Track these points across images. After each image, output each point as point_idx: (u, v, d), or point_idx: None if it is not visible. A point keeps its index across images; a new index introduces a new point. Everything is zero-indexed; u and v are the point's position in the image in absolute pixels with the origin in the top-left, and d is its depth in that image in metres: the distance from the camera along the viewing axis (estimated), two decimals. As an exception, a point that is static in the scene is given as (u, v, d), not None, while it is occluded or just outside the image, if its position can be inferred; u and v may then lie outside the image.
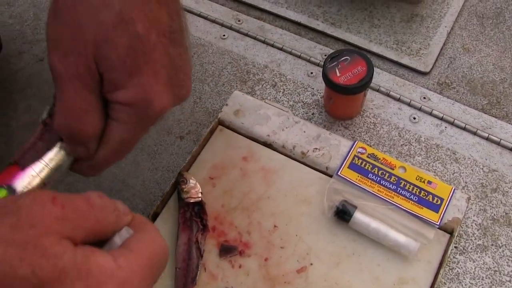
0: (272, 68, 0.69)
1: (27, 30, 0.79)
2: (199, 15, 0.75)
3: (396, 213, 0.54)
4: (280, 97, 0.66)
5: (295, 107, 0.65)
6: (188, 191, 0.56)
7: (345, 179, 0.56)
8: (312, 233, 0.54)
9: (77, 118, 0.36)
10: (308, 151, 0.59)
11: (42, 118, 0.39)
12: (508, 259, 0.55)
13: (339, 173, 0.56)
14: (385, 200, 0.54)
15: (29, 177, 0.37)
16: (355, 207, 0.53)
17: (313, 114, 0.64)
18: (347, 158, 0.57)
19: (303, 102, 0.65)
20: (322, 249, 0.53)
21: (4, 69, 0.74)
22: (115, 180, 0.63)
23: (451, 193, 0.54)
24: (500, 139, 0.60)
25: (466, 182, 0.59)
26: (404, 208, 0.54)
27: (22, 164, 0.37)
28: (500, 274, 0.54)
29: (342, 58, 0.59)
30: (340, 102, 0.61)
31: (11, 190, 0.36)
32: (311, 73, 0.68)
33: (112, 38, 0.34)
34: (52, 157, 0.39)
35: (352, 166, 0.56)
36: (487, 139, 0.61)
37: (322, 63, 0.67)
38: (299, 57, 0.69)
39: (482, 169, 0.60)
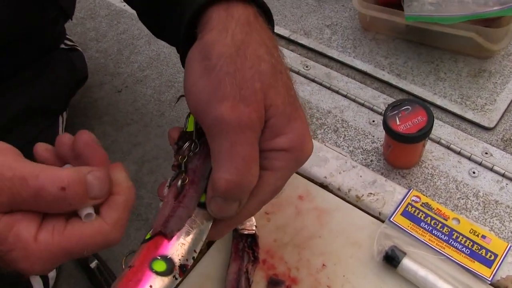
0: (335, 113, 0.75)
1: (110, 64, 0.91)
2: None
3: (447, 264, 0.57)
4: (341, 142, 0.72)
5: (354, 153, 0.70)
6: (243, 223, 0.62)
7: (397, 225, 0.60)
8: (360, 275, 0.58)
9: (249, 171, 0.37)
10: (363, 195, 0.63)
11: (174, 184, 0.41)
12: None
13: (391, 219, 0.60)
14: (436, 250, 0.57)
15: (180, 246, 0.37)
16: (404, 254, 0.57)
17: (371, 161, 0.69)
18: (401, 205, 0.61)
19: (362, 148, 0.71)
20: (368, 292, 0.57)
21: (86, 97, 0.86)
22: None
23: (506, 250, 0.57)
24: None
25: (524, 241, 0.61)
26: (455, 260, 0.57)
27: (169, 233, 0.38)
28: None
29: (403, 108, 0.64)
30: (399, 150, 0.65)
31: (169, 261, 0.36)
32: (373, 121, 0.73)
33: (275, 85, 0.38)
34: (196, 222, 0.39)
35: (405, 214, 0.60)
36: (553, 200, 0.63)
37: (385, 112, 0.73)
38: (363, 105, 0.75)
39: (543, 229, 0.61)
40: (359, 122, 0.73)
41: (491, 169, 0.66)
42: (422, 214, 0.60)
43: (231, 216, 0.40)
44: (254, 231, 0.62)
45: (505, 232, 0.62)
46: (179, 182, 0.40)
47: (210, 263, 0.62)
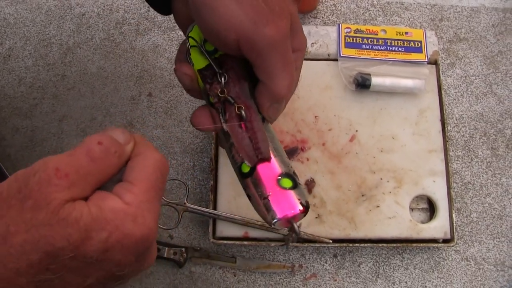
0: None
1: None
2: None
3: (396, 66, 0.76)
4: (249, 15, 0.82)
5: (266, 19, 0.82)
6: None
7: (348, 57, 0.76)
8: (345, 108, 0.75)
9: (294, 71, 0.47)
10: (308, 48, 0.77)
11: (231, 115, 0.46)
12: (471, 65, 0.82)
13: (341, 55, 0.76)
14: (383, 60, 0.76)
15: (280, 159, 0.44)
16: (369, 75, 0.75)
17: (284, 18, 0.82)
18: (340, 40, 0.77)
19: (270, 11, 0.82)
20: (358, 116, 0.75)
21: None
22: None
23: (424, 35, 0.78)
24: (429, -21, 0.85)
25: (420, 22, 0.84)
26: (399, 60, 0.76)
27: (267, 157, 0.44)
28: (469, 76, 0.81)
29: (300, -39, 0.76)
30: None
31: (288, 175, 0.43)
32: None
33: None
34: (269, 136, 0.46)
35: (348, 45, 0.77)
36: (420, -18, 0.85)
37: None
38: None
39: (426, 7, 0.84)
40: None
41: (371, -20, 0.85)
42: (359, 39, 0.77)
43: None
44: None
45: (406, 22, 0.83)
46: (242, 112, 0.46)
47: (232, 172, 0.71)
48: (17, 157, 0.75)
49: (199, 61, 0.47)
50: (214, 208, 0.71)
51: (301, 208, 0.41)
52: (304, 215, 0.41)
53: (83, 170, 0.36)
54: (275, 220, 0.41)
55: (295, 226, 0.42)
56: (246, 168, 0.44)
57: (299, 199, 0.41)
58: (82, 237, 0.34)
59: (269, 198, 0.41)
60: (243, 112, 0.45)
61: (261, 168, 0.43)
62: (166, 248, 0.71)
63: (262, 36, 0.42)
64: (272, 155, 0.44)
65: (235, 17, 0.42)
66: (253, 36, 0.42)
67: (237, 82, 0.47)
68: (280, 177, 0.42)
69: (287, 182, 0.42)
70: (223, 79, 0.47)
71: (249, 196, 0.44)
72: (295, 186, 0.42)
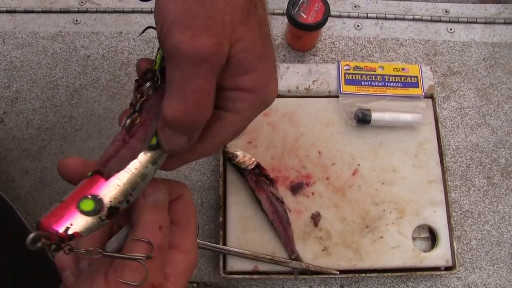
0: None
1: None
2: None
3: (394, 101, 0.82)
4: (251, 54, 0.87)
5: (267, 57, 0.87)
6: (243, 162, 0.76)
7: (348, 93, 0.81)
8: (347, 143, 0.80)
9: (199, 104, 0.38)
10: (309, 85, 0.82)
11: (126, 123, 0.41)
12: (465, 97, 0.88)
13: (342, 92, 0.81)
14: (382, 95, 0.82)
15: (115, 187, 0.38)
16: (369, 110, 0.80)
17: (284, 55, 0.87)
18: (341, 77, 0.82)
19: (271, 50, 0.87)
20: (360, 150, 0.80)
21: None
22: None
23: (420, 70, 0.84)
24: (422, 16, 0.91)
25: (415, 57, 0.89)
26: (397, 95, 0.82)
27: (106, 173, 0.38)
28: (463, 108, 0.87)
29: (300, 2, 0.81)
30: (310, 38, 0.85)
31: (98, 201, 0.37)
32: (262, 23, 0.89)
33: (246, 20, 0.38)
34: (138, 165, 0.40)
35: (348, 82, 0.82)
36: (413, 19, 0.91)
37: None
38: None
39: (420, 43, 0.90)
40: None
41: (367, 17, 0.90)
42: (358, 76, 0.83)
43: (180, 150, 0.41)
44: (255, 161, 0.77)
45: (402, 58, 0.89)
46: (127, 122, 0.41)
47: (240, 209, 0.76)
48: (27, 198, 0.79)
49: (158, 63, 0.44)
50: (224, 243, 0.75)
51: (58, 230, 0.35)
52: (57, 244, 0.36)
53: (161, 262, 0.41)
54: (36, 221, 0.36)
55: (40, 242, 0.35)
56: (90, 173, 0.39)
57: (71, 224, 0.36)
58: None
59: (59, 203, 0.37)
60: (127, 123, 0.41)
61: (92, 180, 0.39)
62: (178, 284, 0.75)
63: (170, 39, 0.37)
64: (115, 178, 0.39)
65: (164, 10, 0.37)
66: (165, 34, 0.37)
67: (161, 97, 0.41)
68: (89, 196, 0.37)
69: (88, 205, 0.37)
70: (149, 83, 0.42)
71: None
72: (88, 214, 0.37)
